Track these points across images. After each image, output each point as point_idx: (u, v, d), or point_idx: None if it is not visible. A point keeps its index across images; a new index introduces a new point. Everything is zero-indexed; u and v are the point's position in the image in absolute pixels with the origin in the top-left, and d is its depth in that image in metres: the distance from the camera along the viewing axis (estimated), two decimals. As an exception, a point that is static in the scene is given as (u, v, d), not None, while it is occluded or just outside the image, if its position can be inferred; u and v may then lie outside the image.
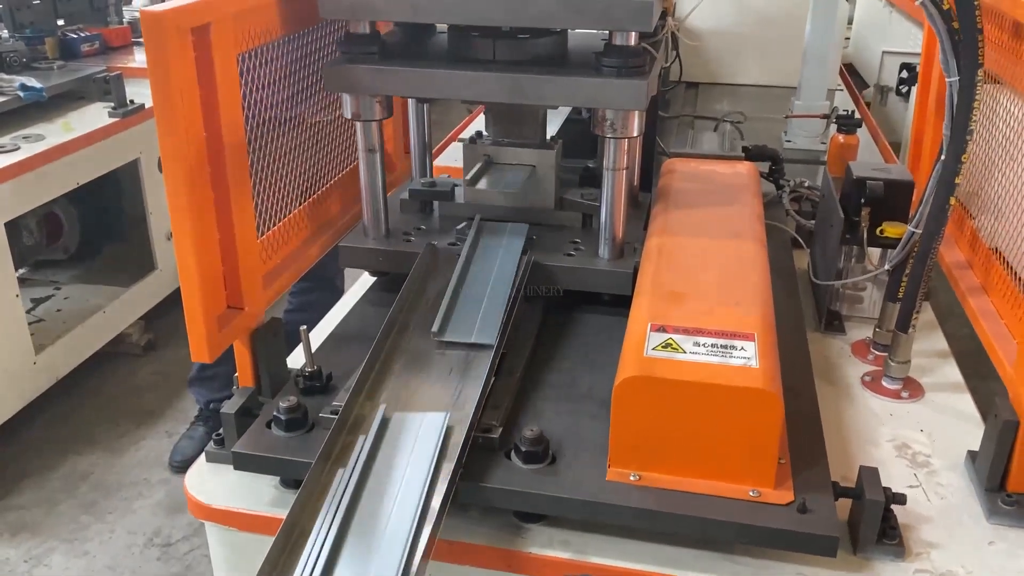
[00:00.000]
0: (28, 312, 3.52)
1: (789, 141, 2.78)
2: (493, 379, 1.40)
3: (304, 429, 1.35)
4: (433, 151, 2.93)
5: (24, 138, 3.17)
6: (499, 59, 1.62)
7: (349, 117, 1.70)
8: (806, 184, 2.29)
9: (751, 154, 2.35)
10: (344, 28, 1.68)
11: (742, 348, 1.22)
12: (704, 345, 1.24)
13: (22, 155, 3.04)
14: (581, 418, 1.39)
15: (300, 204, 1.75)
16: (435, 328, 1.44)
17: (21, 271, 3.67)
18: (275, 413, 1.35)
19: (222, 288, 1.42)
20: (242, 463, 1.32)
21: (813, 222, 2.11)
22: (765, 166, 2.33)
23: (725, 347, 1.23)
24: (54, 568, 2.76)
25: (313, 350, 1.52)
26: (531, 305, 1.71)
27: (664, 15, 1.78)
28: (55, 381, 3.35)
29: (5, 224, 3.10)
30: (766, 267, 1.47)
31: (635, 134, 1.59)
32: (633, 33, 1.51)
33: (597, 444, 1.30)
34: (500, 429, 1.32)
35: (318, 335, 1.74)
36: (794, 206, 2.22)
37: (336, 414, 1.30)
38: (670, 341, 1.25)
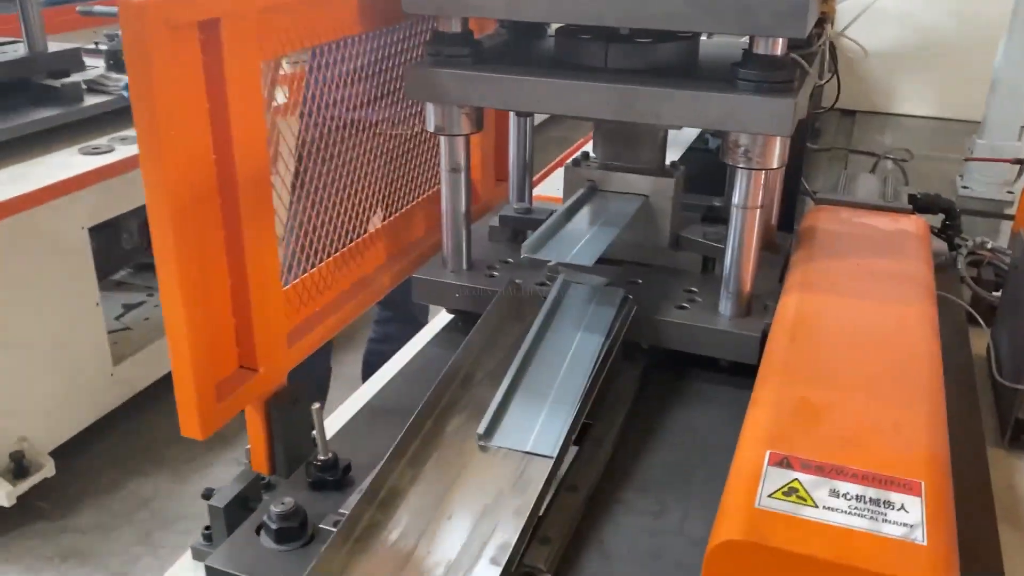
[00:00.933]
0: (117, 319, 3.50)
1: (966, 188, 2.39)
2: (548, 498, 1.13)
3: (300, 542, 1.10)
4: (536, 175, 2.70)
5: (121, 140, 3.15)
6: (611, 67, 1.38)
7: (432, 130, 1.48)
8: (989, 245, 1.90)
9: (919, 204, 1.98)
10: (431, 26, 1.46)
11: (901, 507, 0.87)
12: (846, 496, 0.88)
13: (114, 157, 3.01)
14: (665, 574, 1.08)
15: (347, 243, 1.53)
16: (481, 429, 1.19)
17: (121, 273, 3.68)
18: (265, 519, 1.11)
19: (230, 345, 1.23)
20: None
21: (997, 295, 1.73)
22: (936, 219, 1.96)
23: (876, 502, 0.87)
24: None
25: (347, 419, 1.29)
26: (630, 366, 1.43)
27: (822, 22, 1.47)
28: (131, 395, 3.29)
29: (101, 226, 3.07)
30: (939, 368, 1.13)
31: (775, 165, 1.30)
32: (780, 40, 1.23)
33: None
34: (548, 577, 1.03)
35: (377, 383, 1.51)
36: (971, 272, 1.84)
37: (337, 527, 1.05)
38: (796, 485, 0.92)
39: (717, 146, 2.00)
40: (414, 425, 1.19)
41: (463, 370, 1.33)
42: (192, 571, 1.19)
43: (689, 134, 1.94)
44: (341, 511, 1.13)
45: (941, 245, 1.94)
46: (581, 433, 1.26)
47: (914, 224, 1.62)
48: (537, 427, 1.21)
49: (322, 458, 1.20)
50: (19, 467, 2.82)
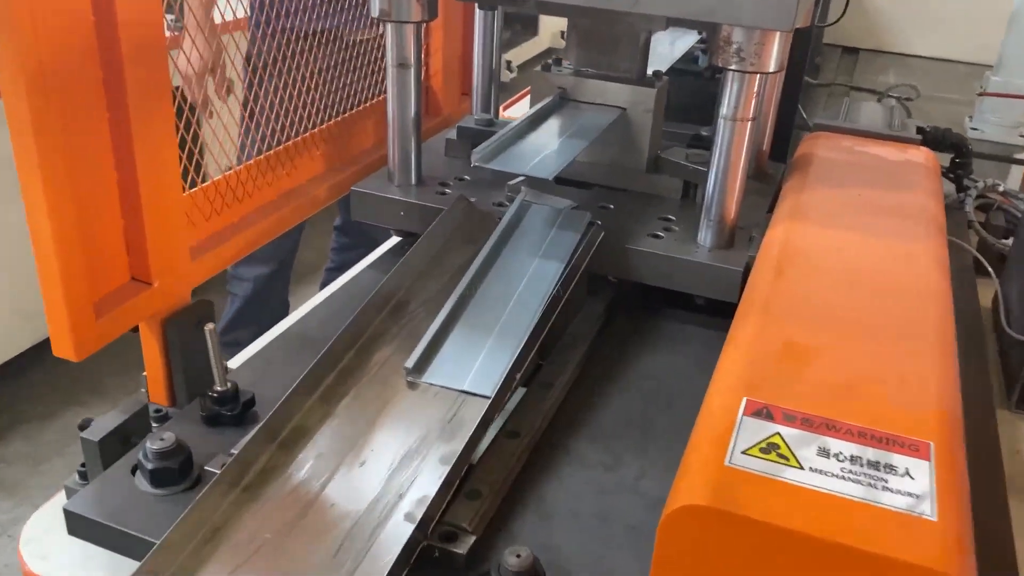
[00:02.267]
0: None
1: (976, 129, 2.22)
2: (481, 446, 0.97)
3: (182, 485, 0.94)
4: (516, 95, 2.50)
5: None
6: (586, -56, 1.16)
7: (376, 15, 1.28)
8: (1001, 188, 1.73)
9: (928, 139, 1.79)
10: None
11: (906, 472, 0.70)
12: (838, 457, 0.72)
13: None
14: (614, 540, 0.91)
15: (283, 141, 1.34)
16: (410, 363, 1.01)
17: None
18: (140, 457, 0.94)
19: (117, 254, 1.05)
20: (76, 527, 0.92)
21: (1007, 242, 1.56)
22: (944, 159, 1.78)
23: (875, 465, 0.71)
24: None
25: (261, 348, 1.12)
26: (593, 301, 1.26)
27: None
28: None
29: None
30: (950, 313, 0.96)
31: (772, 69, 1.12)
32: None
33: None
34: (471, 541, 0.86)
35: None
36: (979, 216, 1.67)
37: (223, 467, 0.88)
38: (777, 440, 0.74)
39: (706, 67, 1.81)
40: (329, 355, 1.01)
41: (396, 296, 1.15)
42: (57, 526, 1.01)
43: (674, 50, 1.74)
44: (232, 451, 0.95)
45: (949, 186, 1.77)
46: (530, 375, 1.09)
47: (923, 156, 1.44)
48: (476, 364, 1.03)
49: (219, 389, 1.03)
50: (-57, 391, 2.64)
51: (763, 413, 0.80)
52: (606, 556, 0.88)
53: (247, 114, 1.36)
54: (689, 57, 1.83)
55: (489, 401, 0.97)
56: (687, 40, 1.79)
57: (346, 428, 0.96)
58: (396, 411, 0.99)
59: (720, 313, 1.27)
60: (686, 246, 1.26)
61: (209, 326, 0.99)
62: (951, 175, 1.78)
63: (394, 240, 1.50)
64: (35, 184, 0.91)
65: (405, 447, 0.94)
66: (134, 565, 0.79)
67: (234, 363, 1.23)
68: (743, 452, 0.75)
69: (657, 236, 1.29)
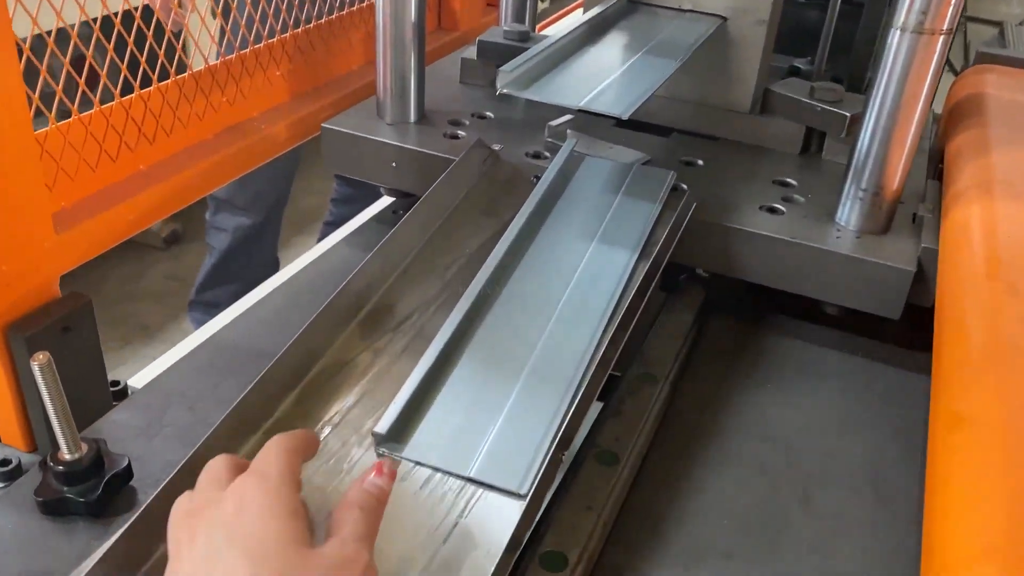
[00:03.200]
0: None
1: None
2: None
3: None
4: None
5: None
6: None
7: None
8: None
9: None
10: None
11: None
12: None
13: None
14: None
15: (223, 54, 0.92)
16: (381, 425, 0.58)
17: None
18: None
19: None
20: None
21: None
22: None
23: None
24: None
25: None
26: (676, 308, 0.84)
27: None
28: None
29: None
30: None
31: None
32: None
33: None
34: None
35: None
36: None
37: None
38: None
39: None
40: (243, 410, 0.60)
41: (371, 299, 0.73)
42: None
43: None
44: (72, 582, 0.55)
45: None
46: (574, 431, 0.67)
47: None
48: (494, 431, 0.61)
49: (66, 457, 0.62)
50: None
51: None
52: None
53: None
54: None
55: (522, 503, 0.55)
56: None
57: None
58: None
59: (863, 329, 0.85)
60: (819, 228, 0.83)
61: (39, 358, 0.58)
62: None
63: (383, 203, 1.07)
64: None
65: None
66: None
67: (141, 377, 0.83)
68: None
69: (773, 210, 0.86)
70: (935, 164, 1.01)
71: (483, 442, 0.59)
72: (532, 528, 0.58)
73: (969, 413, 0.52)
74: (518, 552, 0.55)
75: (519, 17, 1.19)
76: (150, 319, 2.88)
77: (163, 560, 0.54)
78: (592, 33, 0.91)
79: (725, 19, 0.94)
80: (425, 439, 0.60)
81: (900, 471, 0.70)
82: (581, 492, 0.64)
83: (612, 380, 0.73)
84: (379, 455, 0.59)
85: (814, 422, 0.76)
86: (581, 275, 0.74)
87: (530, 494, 0.55)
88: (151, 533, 0.52)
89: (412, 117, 0.99)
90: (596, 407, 0.70)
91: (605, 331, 0.68)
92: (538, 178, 0.84)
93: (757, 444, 0.73)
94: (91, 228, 0.78)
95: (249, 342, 0.81)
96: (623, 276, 0.73)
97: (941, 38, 0.74)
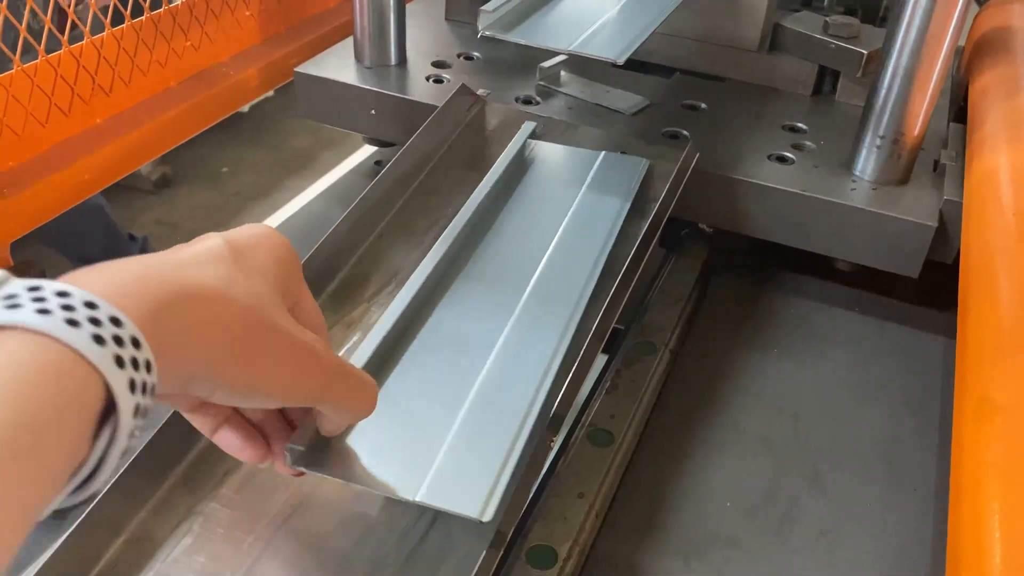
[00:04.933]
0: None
1: None
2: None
3: None
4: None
5: None
6: None
7: None
8: None
9: None
10: None
11: None
12: None
13: None
14: None
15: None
16: (297, 439, 0.46)
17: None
18: None
19: None
20: None
21: None
22: None
23: None
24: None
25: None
26: (678, 266, 0.78)
27: None
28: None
29: None
30: None
31: None
32: None
33: None
34: None
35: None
36: None
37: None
38: None
39: None
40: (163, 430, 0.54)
41: (342, 269, 0.67)
42: None
43: None
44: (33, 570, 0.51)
45: None
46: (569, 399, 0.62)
47: None
48: (448, 439, 0.51)
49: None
50: None
51: None
52: None
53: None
54: None
55: (490, 527, 0.49)
56: None
57: (222, 546, 0.51)
58: (308, 523, 0.52)
59: (879, 287, 0.80)
60: (832, 179, 0.77)
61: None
62: None
63: (364, 152, 1.01)
64: None
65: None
66: None
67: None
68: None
69: (783, 159, 0.79)
70: (957, 104, 0.94)
71: (431, 462, 0.49)
72: (518, 521, 0.53)
73: (1003, 400, 0.47)
74: (502, 550, 0.50)
75: (509, -54, 1.11)
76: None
77: (118, 559, 0.50)
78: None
79: (732, -53, 0.86)
80: (344, 460, 0.48)
81: (916, 446, 0.66)
82: (572, 477, 0.59)
83: (609, 348, 0.68)
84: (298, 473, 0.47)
85: (824, 391, 0.71)
86: (565, 233, 0.68)
87: (493, 518, 0.49)
88: (103, 530, 0.48)
89: (392, 59, 0.92)
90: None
91: (591, 295, 0.62)
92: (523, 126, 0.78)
93: (763, 417, 0.68)
94: (42, 190, 0.72)
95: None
96: (607, 233, 0.67)
97: (972, -33, 0.67)
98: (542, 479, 0.59)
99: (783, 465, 0.64)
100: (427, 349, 0.57)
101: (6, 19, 0.69)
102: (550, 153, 0.78)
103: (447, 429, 0.51)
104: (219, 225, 2.61)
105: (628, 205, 0.70)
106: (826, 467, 0.64)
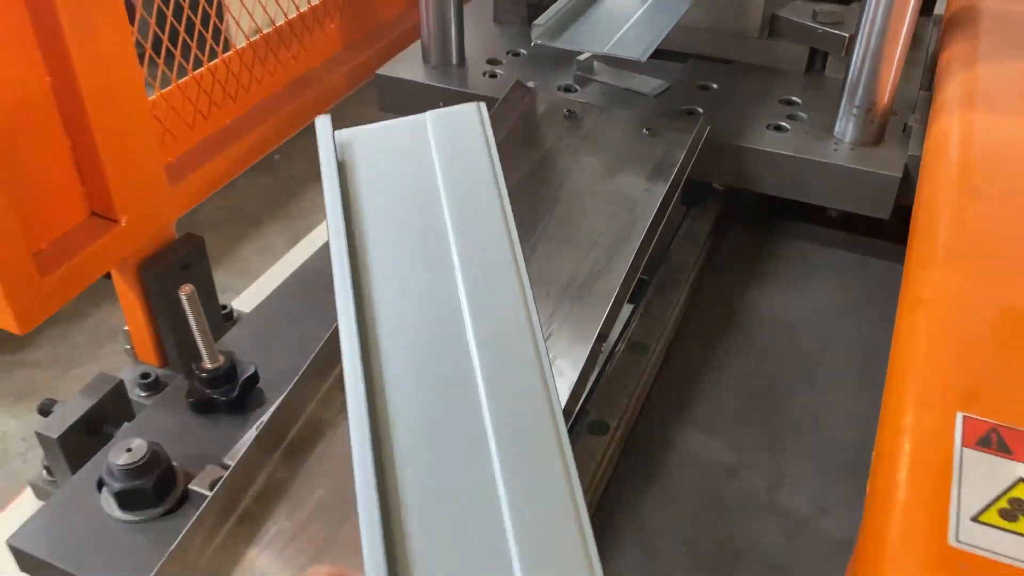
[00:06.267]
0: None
1: None
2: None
3: (160, 509, 0.70)
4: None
5: None
6: None
7: None
8: None
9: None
10: None
11: None
12: None
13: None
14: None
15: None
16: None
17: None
18: (104, 472, 0.70)
19: (66, 184, 0.80)
20: (27, 565, 0.70)
21: None
22: None
23: None
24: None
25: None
26: (694, 219, 0.97)
27: None
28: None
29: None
30: None
31: None
32: None
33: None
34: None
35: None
36: None
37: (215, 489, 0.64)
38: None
39: None
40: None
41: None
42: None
43: None
44: (227, 461, 0.72)
45: None
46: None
47: None
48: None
49: (208, 366, 0.78)
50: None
51: (993, 441, 0.53)
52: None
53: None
54: None
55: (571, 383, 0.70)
56: None
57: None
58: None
59: (860, 228, 0.98)
60: (819, 142, 0.95)
61: (185, 289, 0.74)
62: None
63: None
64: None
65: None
66: None
67: (243, 303, 0.99)
68: (974, 519, 0.48)
69: (780, 128, 0.98)
70: (931, 73, 1.11)
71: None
72: (580, 404, 0.73)
73: (928, 297, 0.65)
74: (572, 417, 0.70)
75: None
76: (209, 249, 3.07)
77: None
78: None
79: (733, -47, 1.04)
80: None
81: (885, 349, 0.84)
82: (618, 375, 0.78)
83: (641, 284, 0.87)
84: None
85: (814, 308, 0.90)
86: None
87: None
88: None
89: (454, 59, 1.12)
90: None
91: (639, 247, 0.81)
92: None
93: (765, 333, 0.87)
94: (196, 177, 0.92)
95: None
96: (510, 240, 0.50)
97: (922, -33, 0.84)
98: (596, 378, 0.78)
99: (781, 365, 0.83)
100: (409, 405, 0.44)
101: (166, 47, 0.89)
102: (372, 142, 0.59)
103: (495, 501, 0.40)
104: (280, 206, 2.82)
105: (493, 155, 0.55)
106: (815, 366, 0.83)
